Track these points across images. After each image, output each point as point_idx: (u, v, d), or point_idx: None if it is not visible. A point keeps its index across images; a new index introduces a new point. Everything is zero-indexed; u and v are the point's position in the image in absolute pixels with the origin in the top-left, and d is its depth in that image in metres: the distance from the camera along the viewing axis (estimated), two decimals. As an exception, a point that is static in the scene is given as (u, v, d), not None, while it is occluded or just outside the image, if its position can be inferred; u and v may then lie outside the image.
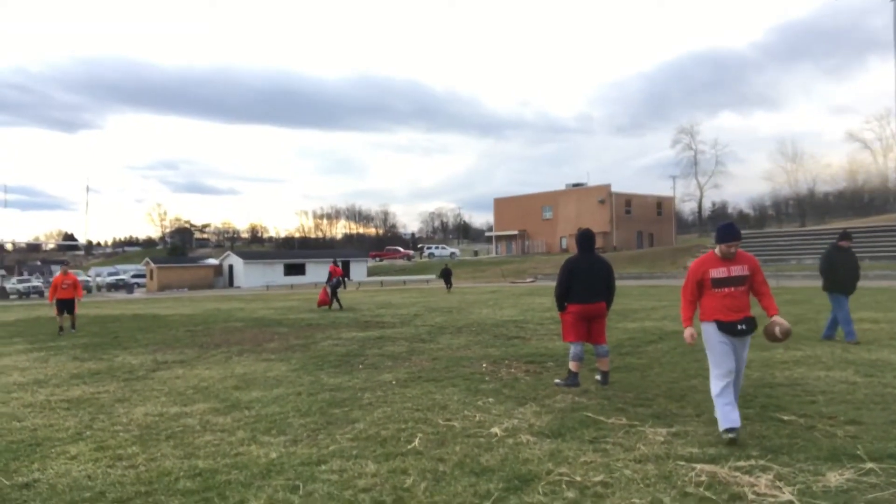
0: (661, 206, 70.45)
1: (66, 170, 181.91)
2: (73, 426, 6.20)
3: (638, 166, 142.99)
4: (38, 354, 11.95)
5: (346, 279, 21.95)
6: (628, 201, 66.05)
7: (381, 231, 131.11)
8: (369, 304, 23.91)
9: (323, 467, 4.63)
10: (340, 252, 69.23)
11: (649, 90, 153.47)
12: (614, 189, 65.16)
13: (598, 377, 7.44)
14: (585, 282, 7.21)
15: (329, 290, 21.43)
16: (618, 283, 7.66)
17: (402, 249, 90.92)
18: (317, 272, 58.17)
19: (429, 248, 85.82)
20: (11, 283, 56.94)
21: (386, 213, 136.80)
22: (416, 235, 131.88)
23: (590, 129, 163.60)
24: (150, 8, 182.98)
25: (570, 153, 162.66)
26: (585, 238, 7.43)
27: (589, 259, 7.35)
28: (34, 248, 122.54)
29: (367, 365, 9.24)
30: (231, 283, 59.91)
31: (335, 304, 21.38)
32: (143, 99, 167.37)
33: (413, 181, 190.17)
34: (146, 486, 4.37)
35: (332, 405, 6.66)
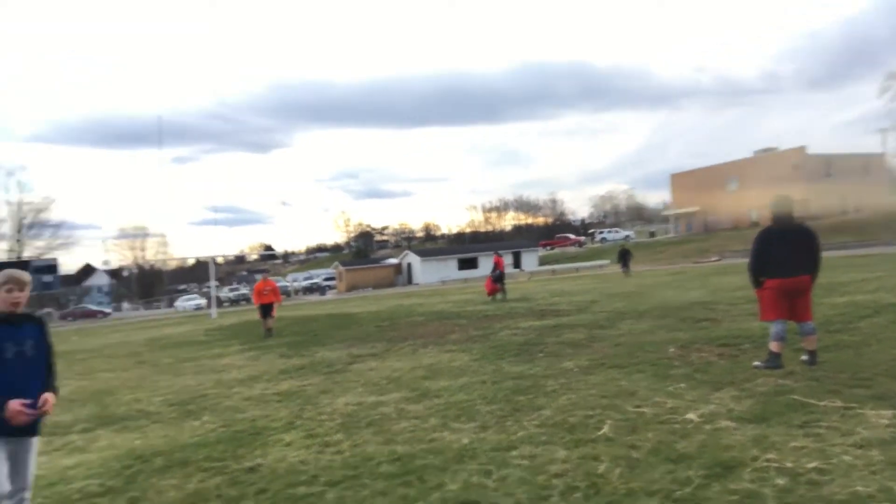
0: (868, 164, 62.46)
1: (262, 187, 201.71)
2: (286, 416, 6.84)
3: (838, 122, 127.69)
4: (251, 353, 13.37)
5: (503, 272, 22.72)
6: (828, 163, 59.37)
7: (549, 219, 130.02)
8: (543, 292, 23.83)
9: (513, 453, 4.68)
10: (510, 243, 69.78)
11: (850, 34, 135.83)
12: (811, 151, 58.94)
13: (804, 357, 6.77)
14: (784, 253, 6.57)
15: (493, 280, 22.19)
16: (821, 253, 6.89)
17: (572, 236, 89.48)
18: (489, 265, 59.13)
19: (600, 232, 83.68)
20: (224, 293, 64.43)
21: (554, 201, 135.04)
22: (587, 221, 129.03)
23: (778, 87, 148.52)
24: (327, 31, 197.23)
25: (755, 117, 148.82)
26: (782, 206, 6.79)
27: (787, 228, 6.70)
28: (240, 259, 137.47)
29: (548, 353, 9.20)
30: (410, 281, 62.84)
31: (500, 295, 21.90)
32: (325, 115, 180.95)
33: (581, 165, 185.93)
34: (352, 469, 4.70)
35: (517, 392, 6.71)
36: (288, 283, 69.54)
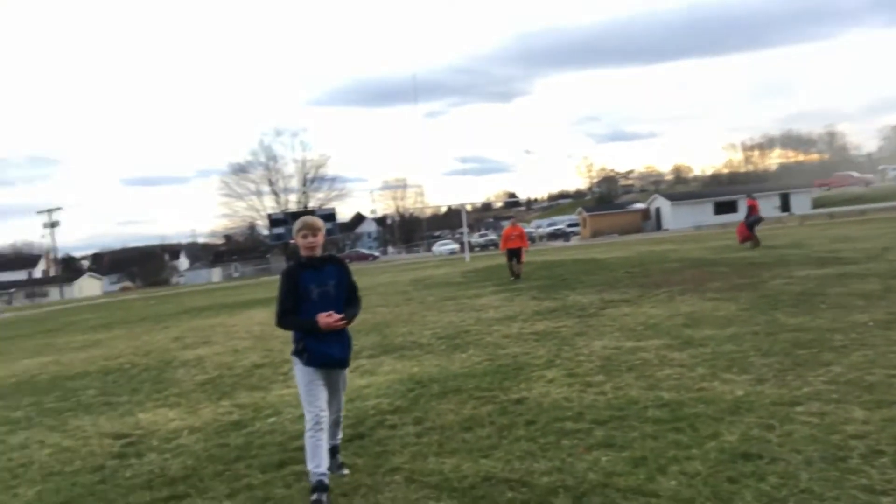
0: None
1: (506, 136, 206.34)
2: (545, 355, 7.05)
3: None
4: (504, 295, 13.96)
5: (760, 216, 20.48)
6: None
7: (826, 156, 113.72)
8: (820, 238, 21.13)
9: (798, 409, 4.28)
10: (775, 184, 62.72)
11: None
12: None
13: None
14: None
15: (747, 225, 20.11)
16: None
17: (855, 174, 77.49)
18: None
19: (894, 168, 71.27)
20: (474, 239, 67.88)
21: (831, 135, 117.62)
22: (874, 156, 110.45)
23: None
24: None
25: None
26: None
27: None
28: (486, 207, 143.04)
29: (832, 304, 8.18)
30: (658, 227, 60.02)
31: (749, 244, 19.77)
32: (566, 58, 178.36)
33: (867, 91, 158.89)
34: (617, 411, 4.70)
35: (797, 346, 6.09)
36: (532, 230, 70.90)
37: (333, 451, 4.02)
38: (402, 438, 4.60)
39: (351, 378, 6.78)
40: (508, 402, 5.27)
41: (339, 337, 3.87)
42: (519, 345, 7.86)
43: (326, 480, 3.62)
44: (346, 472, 4.01)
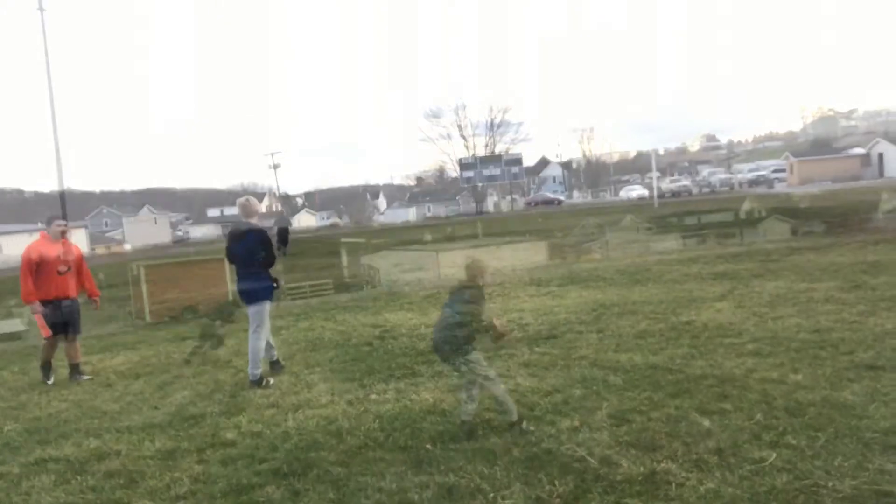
0: None
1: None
2: (718, 291, 7.91)
3: None
4: (689, 240, 14.49)
5: None
6: None
7: None
8: None
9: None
10: None
11: None
12: None
13: None
14: None
15: None
16: None
17: None
18: None
19: None
20: (665, 184, 65.46)
21: None
22: None
23: None
24: None
25: None
26: None
27: None
28: (681, 151, 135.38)
29: None
30: (881, 174, 53.67)
31: None
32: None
33: None
34: (772, 333, 5.58)
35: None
36: (730, 175, 66.72)
37: None
38: (587, 339, 5.94)
39: (542, 300, 8.25)
40: (678, 323, 6.36)
41: None
42: (696, 282, 8.74)
43: None
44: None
